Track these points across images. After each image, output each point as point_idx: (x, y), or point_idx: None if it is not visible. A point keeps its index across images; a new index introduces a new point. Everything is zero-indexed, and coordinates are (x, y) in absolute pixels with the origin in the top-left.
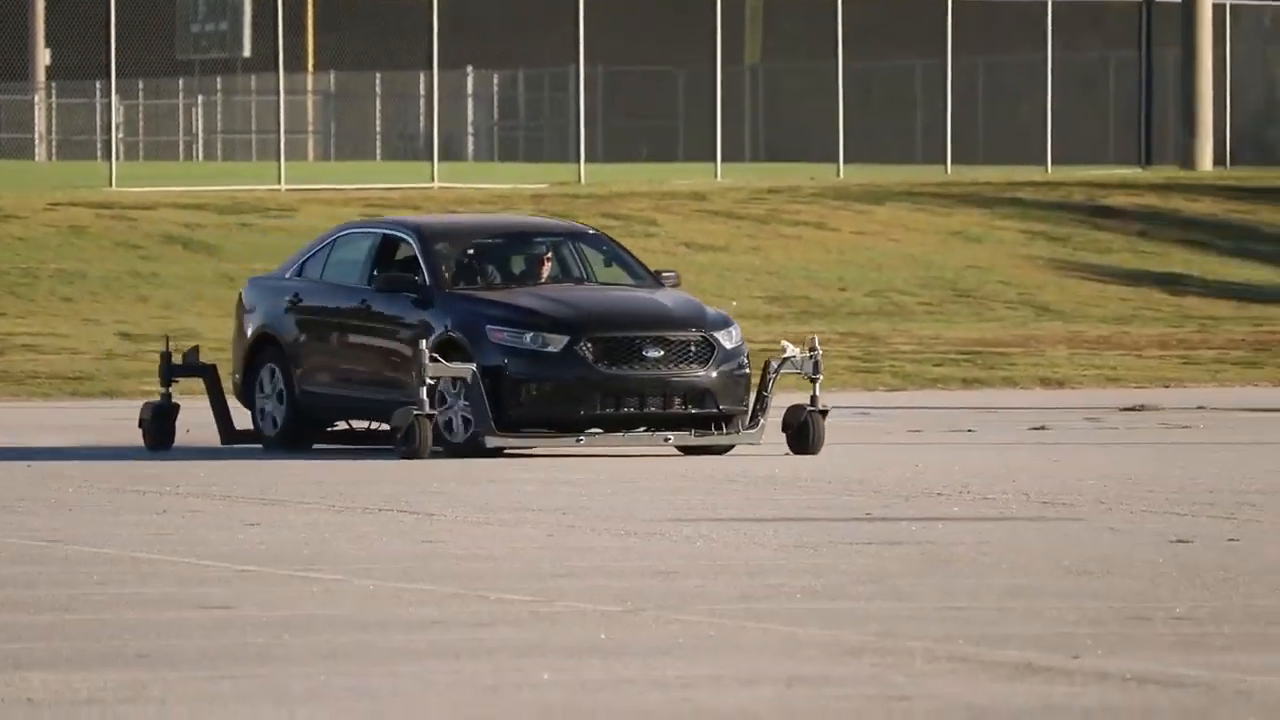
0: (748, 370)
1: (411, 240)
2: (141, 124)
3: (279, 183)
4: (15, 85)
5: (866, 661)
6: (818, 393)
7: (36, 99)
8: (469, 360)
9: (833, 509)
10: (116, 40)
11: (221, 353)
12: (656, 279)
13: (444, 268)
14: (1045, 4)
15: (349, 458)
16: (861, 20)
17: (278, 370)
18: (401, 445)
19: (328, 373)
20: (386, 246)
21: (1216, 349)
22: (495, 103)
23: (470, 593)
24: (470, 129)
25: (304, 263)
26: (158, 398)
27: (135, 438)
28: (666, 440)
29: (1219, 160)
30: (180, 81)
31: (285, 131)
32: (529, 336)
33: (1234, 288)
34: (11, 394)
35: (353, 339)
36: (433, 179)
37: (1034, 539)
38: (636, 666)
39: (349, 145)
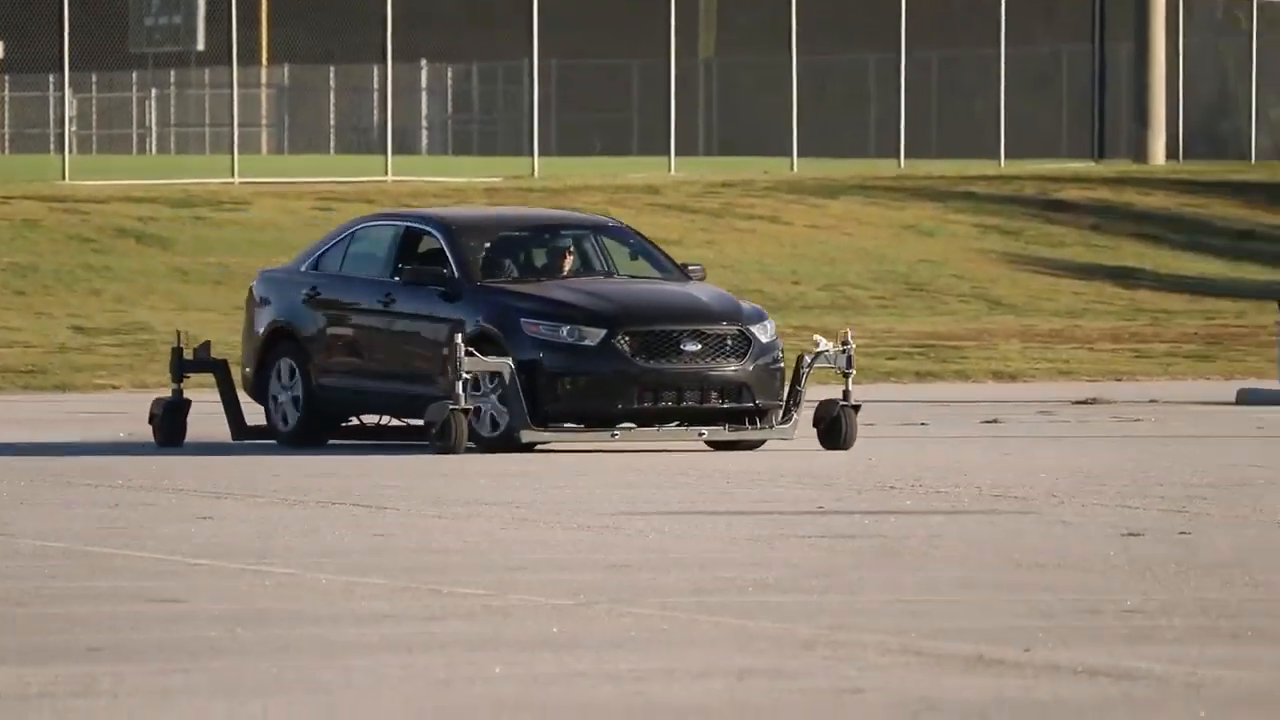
0: (782, 364)
1: (437, 233)
2: (95, 117)
3: (232, 176)
4: None
5: (818, 654)
6: (850, 387)
7: None
8: (501, 354)
9: (785, 502)
10: (70, 33)
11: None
12: (683, 272)
13: (473, 261)
14: None
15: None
16: (815, 14)
17: (294, 364)
18: (437, 440)
19: (348, 367)
20: (409, 240)
21: (1169, 342)
22: (449, 96)
23: (422, 586)
24: (424, 122)
25: (320, 256)
26: (169, 393)
27: (87, 431)
28: (700, 435)
29: (1172, 154)
30: (134, 75)
31: (239, 125)
32: (565, 330)
33: (1186, 281)
34: None
35: (376, 333)
36: (387, 172)
37: (986, 532)
38: (589, 660)
39: (303, 139)
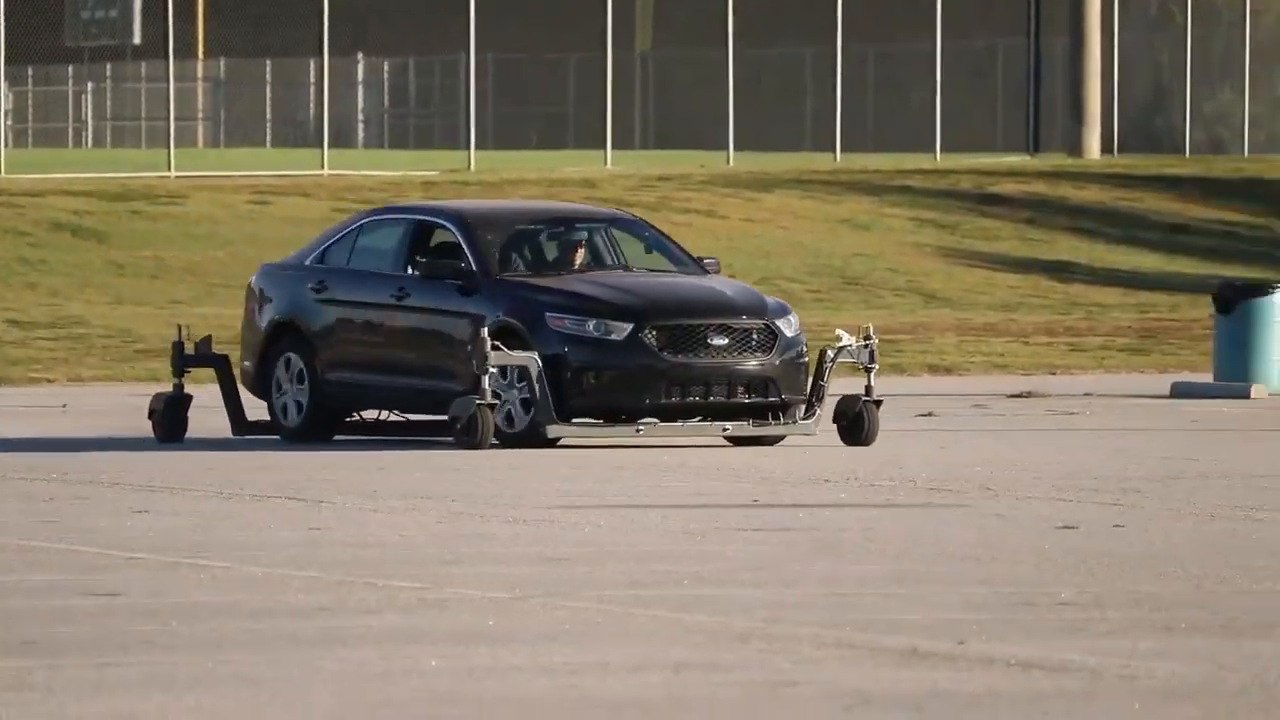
0: (806, 359)
1: (452, 226)
2: (30, 111)
3: (169, 170)
4: None
5: (754, 647)
6: (872, 382)
7: None
8: (523, 348)
9: (720, 496)
10: (5, 26)
11: (107, 339)
12: (700, 265)
13: (490, 254)
14: None
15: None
16: (752, 8)
17: (299, 359)
18: (463, 436)
19: (358, 361)
20: (421, 233)
21: (1103, 336)
22: (386, 90)
23: (358, 580)
24: (361, 116)
25: (326, 249)
26: (170, 388)
27: (22, 425)
28: (725, 430)
29: (1106, 148)
30: (70, 69)
31: (175, 118)
32: (592, 324)
33: (1121, 275)
34: None
35: (389, 327)
36: (323, 166)
37: (920, 525)
38: (524, 653)
39: (239, 132)
